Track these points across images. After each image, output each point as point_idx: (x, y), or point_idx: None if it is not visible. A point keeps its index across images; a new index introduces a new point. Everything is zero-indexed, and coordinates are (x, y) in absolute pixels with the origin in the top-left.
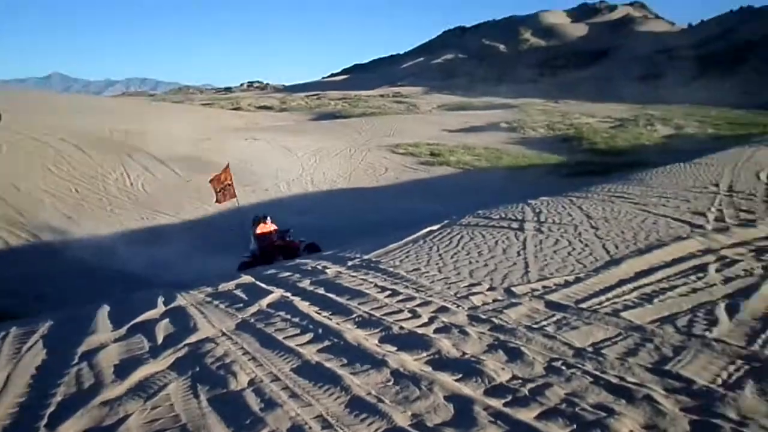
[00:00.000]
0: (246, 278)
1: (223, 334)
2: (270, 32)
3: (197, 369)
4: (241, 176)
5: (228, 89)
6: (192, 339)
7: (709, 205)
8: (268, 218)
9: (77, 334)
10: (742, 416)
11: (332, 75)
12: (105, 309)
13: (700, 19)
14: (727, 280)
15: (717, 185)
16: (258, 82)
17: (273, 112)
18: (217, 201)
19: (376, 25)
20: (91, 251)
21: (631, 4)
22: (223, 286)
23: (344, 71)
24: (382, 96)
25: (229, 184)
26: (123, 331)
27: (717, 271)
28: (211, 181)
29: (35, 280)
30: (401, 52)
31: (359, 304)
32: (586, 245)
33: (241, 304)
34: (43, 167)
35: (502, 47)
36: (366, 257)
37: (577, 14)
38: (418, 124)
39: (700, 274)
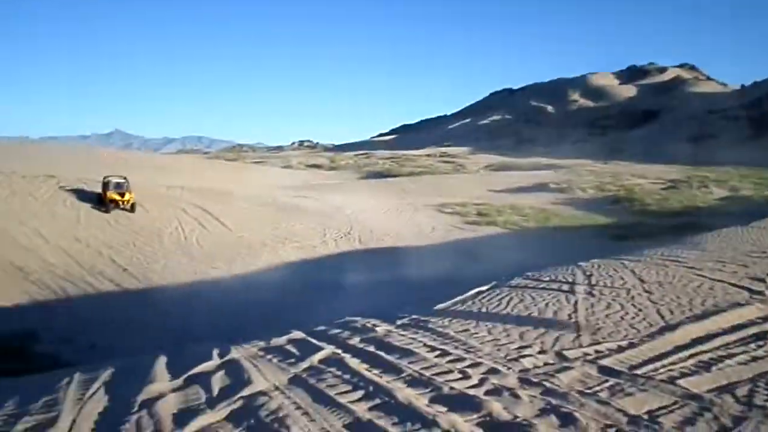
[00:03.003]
0: (297, 334)
1: (277, 388)
2: (321, 92)
3: (252, 421)
4: (288, 232)
5: (279, 148)
6: (246, 392)
7: None
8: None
9: (136, 383)
10: None
11: (380, 134)
12: (162, 359)
13: (753, 80)
14: None
15: None
16: (308, 140)
17: (322, 170)
18: None
19: (424, 86)
20: (142, 303)
21: (680, 66)
22: (275, 341)
23: (392, 131)
24: (429, 156)
25: None
26: (180, 381)
27: None
28: None
29: (89, 330)
30: (448, 113)
31: (409, 363)
32: (640, 310)
33: (293, 359)
34: (102, 220)
35: (549, 108)
36: (415, 316)
37: (625, 76)
38: (465, 184)
39: (761, 342)
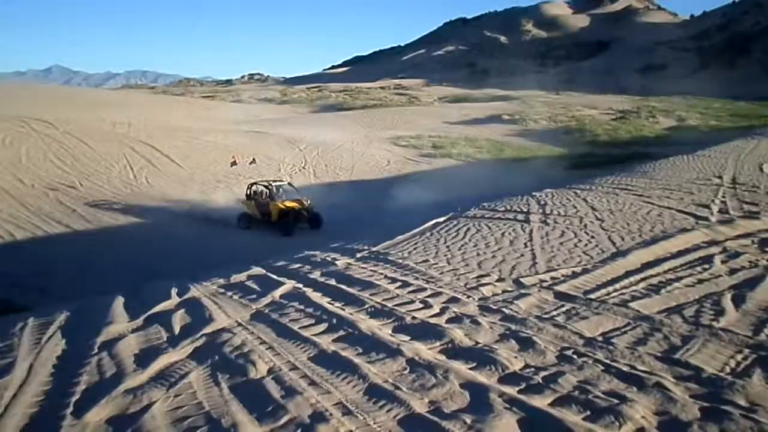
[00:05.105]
0: (257, 270)
1: (239, 324)
2: (270, 24)
3: (216, 358)
4: (243, 168)
5: (228, 81)
6: (208, 329)
7: (713, 197)
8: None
9: (94, 325)
10: (750, 403)
11: (333, 67)
12: (119, 300)
13: (702, 11)
14: (732, 272)
15: (720, 177)
16: (258, 74)
17: (274, 104)
18: None
19: (378, 17)
20: (92, 244)
21: None
22: (235, 278)
23: (345, 63)
24: (383, 88)
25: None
26: (140, 321)
27: (722, 262)
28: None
29: (38, 273)
30: (402, 44)
31: (371, 295)
32: (592, 237)
33: (254, 295)
34: (47, 160)
35: (503, 39)
36: (374, 249)
37: (578, 5)
38: (419, 116)
39: (706, 266)
